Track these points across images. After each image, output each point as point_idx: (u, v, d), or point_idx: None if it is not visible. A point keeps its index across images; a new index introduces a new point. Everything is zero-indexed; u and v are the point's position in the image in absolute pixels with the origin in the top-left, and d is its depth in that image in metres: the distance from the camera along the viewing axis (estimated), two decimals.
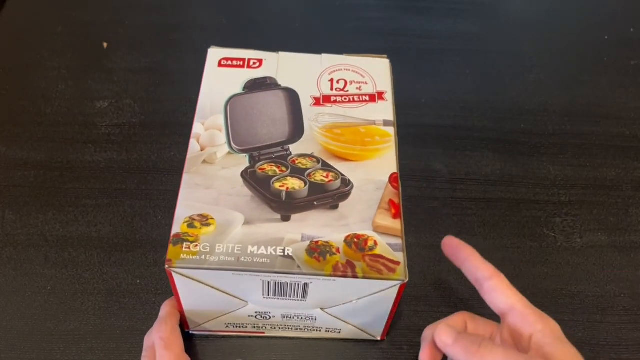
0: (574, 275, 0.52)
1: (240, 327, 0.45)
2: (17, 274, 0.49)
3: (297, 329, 0.45)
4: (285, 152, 0.45)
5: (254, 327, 0.45)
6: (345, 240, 0.40)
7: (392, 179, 0.43)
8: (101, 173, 0.56)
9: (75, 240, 0.51)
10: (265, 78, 0.48)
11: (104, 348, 0.46)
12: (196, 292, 0.40)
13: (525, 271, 0.51)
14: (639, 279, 0.52)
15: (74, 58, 0.66)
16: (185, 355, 0.41)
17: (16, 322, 0.47)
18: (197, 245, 0.38)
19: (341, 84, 0.49)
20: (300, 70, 0.49)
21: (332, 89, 0.48)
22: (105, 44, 0.67)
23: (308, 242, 0.39)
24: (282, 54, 0.50)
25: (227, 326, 0.45)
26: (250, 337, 0.46)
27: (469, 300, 0.49)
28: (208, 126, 0.45)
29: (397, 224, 0.41)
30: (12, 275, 0.49)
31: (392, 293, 0.39)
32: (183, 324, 0.44)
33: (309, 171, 0.44)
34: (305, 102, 0.47)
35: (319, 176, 0.43)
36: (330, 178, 0.43)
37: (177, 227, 0.39)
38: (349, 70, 0.50)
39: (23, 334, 0.46)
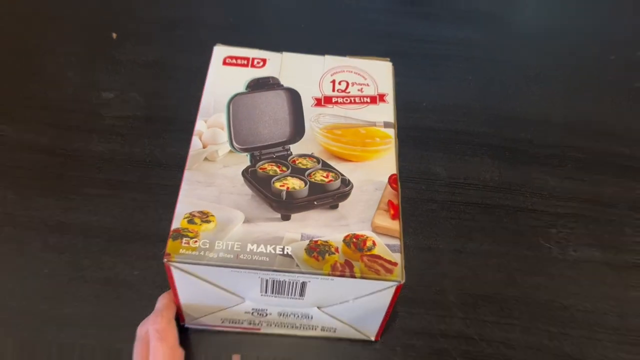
0: (566, 288, 0.52)
1: (236, 322, 0.45)
2: (14, 254, 0.49)
3: (292, 327, 0.46)
4: (285, 152, 0.45)
5: (250, 324, 0.45)
6: (344, 240, 0.40)
7: (392, 180, 0.44)
8: (104, 163, 0.56)
9: (75, 227, 0.51)
10: (268, 78, 0.48)
11: (97, 334, 0.46)
12: (194, 287, 0.40)
13: (519, 279, 0.52)
14: (629, 298, 0.51)
15: (83, 46, 0.66)
16: (179, 347, 0.41)
17: (9, 301, 0.47)
18: (196, 241, 0.39)
19: (343, 85, 0.49)
20: (302, 71, 0.49)
21: (333, 90, 0.49)
22: (114, 35, 0.68)
23: (307, 241, 0.40)
24: (285, 54, 0.51)
25: (223, 321, 0.45)
26: (245, 332, 0.47)
27: (464, 305, 0.50)
28: (210, 124, 0.46)
29: (395, 225, 0.41)
30: (8, 254, 0.49)
31: (389, 294, 0.40)
32: (179, 317, 0.45)
33: (309, 171, 0.44)
34: (307, 103, 0.47)
35: (319, 176, 0.44)
36: (330, 178, 0.43)
37: (177, 222, 0.40)
38: (351, 71, 0.50)
39: (16, 312, 0.46)
